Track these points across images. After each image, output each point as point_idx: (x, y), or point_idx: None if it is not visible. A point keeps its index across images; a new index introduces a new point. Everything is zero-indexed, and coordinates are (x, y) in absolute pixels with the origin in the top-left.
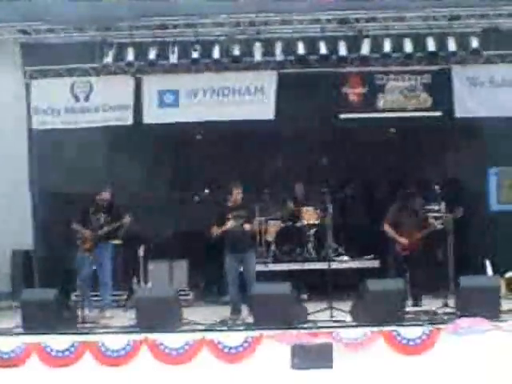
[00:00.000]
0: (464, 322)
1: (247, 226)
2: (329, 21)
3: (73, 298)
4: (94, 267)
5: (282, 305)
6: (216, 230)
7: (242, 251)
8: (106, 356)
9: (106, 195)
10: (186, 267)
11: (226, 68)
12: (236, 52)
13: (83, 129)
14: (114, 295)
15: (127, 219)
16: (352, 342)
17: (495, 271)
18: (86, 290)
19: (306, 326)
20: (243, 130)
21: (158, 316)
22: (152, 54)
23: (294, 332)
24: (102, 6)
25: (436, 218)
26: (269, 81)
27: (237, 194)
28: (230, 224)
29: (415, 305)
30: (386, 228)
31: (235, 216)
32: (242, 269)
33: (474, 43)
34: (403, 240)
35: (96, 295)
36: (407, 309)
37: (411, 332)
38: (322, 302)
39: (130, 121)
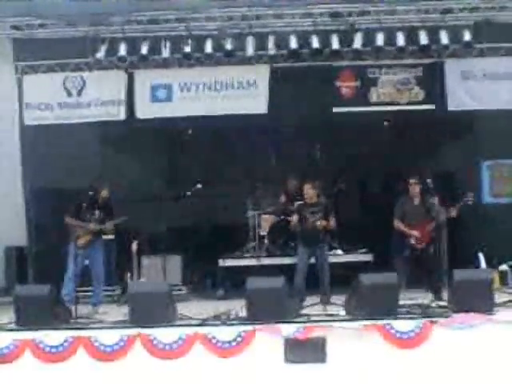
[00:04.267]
0: (459, 317)
1: (323, 223)
2: (321, 14)
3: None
4: (87, 262)
5: (276, 299)
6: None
7: (314, 245)
8: (99, 351)
9: (105, 193)
10: (180, 262)
11: (218, 62)
12: (228, 46)
13: (76, 124)
14: (107, 290)
15: (123, 219)
16: (346, 335)
17: (488, 264)
18: (72, 288)
19: (299, 320)
20: (236, 124)
21: (151, 311)
22: (144, 49)
23: None
24: (93, 1)
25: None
26: (261, 75)
27: (308, 190)
28: (294, 218)
29: (437, 298)
30: (396, 224)
31: (312, 212)
32: (313, 261)
33: (467, 36)
34: (415, 233)
35: (89, 291)
36: (400, 302)
37: (405, 325)
38: (315, 295)
39: (122, 116)
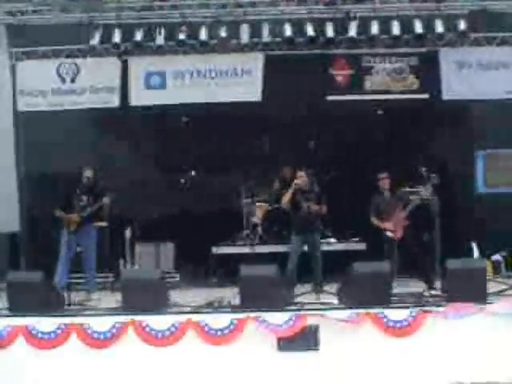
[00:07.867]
0: (452, 306)
1: (315, 207)
2: (316, 2)
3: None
4: (79, 249)
5: (269, 287)
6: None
7: (308, 233)
8: (92, 338)
9: (89, 173)
10: (173, 249)
11: (212, 50)
12: (223, 34)
13: (70, 111)
14: (100, 277)
15: (107, 199)
16: (338, 324)
17: (482, 254)
18: (64, 274)
19: (292, 308)
20: (230, 112)
21: (144, 298)
22: (138, 36)
23: None
24: None
25: (412, 193)
26: (256, 63)
27: (302, 178)
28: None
29: (430, 287)
30: (372, 219)
31: (306, 199)
32: (306, 249)
33: (462, 25)
34: (387, 225)
35: (82, 277)
36: (394, 291)
37: (398, 314)
38: (308, 284)
39: (116, 103)
